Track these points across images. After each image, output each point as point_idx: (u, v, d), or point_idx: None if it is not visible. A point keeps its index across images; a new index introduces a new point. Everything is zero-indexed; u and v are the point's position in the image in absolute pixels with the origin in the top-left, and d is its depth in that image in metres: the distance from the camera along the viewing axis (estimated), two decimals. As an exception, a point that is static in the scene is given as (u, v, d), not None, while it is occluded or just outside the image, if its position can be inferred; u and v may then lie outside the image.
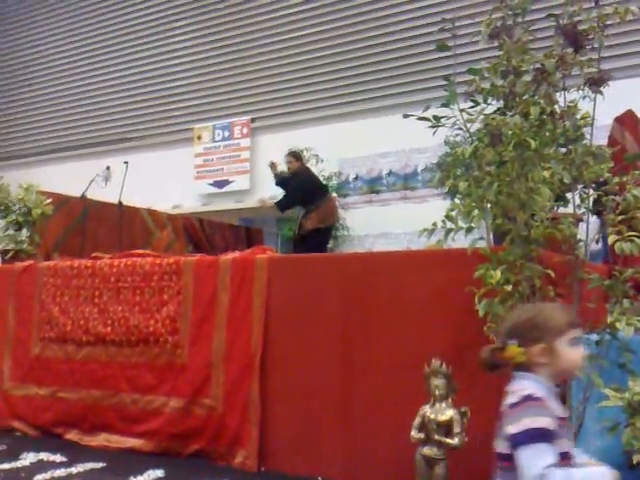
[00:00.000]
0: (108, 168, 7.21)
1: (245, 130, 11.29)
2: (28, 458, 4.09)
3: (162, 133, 12.27)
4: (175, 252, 7.19)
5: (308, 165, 9.10)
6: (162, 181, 11.41)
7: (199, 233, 8.53)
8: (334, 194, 9.73)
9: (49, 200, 6.17)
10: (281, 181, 8.44)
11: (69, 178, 8.97)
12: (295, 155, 8.31)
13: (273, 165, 8.55)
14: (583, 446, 2.98)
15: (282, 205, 8.24)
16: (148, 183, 10.59)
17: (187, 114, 12.01)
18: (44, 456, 4.14)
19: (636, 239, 2.83)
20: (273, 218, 10.80)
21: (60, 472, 3.79)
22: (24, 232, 6.01)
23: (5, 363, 5.13)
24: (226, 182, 11.36)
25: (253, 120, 11.25)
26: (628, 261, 3.03)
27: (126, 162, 7.15)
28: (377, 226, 9.61)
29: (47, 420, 4.81)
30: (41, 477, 3.69)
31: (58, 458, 4.10)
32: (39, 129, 13.84)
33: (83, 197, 6.91)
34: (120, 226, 6.97)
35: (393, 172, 9.90)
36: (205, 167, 11.62)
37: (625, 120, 4.41)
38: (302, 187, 8.10)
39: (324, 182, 9.12)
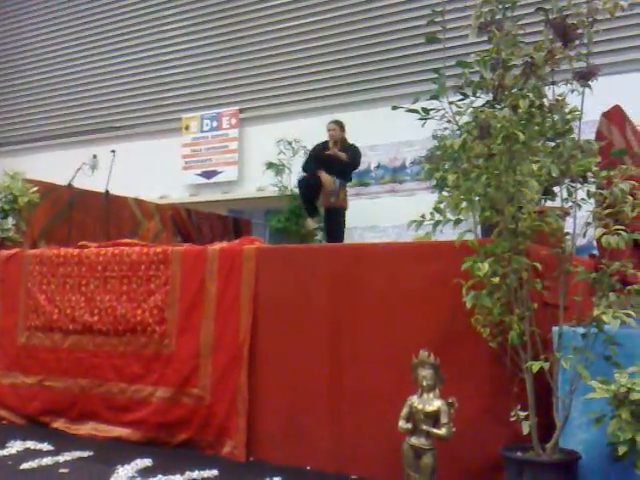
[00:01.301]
0: (95, 157, 7.16)
1: (233, 121, 11.26)
2: (15, 446, 4.08)
3: (150, 122, 12.19)
4: (162, 242, 7.16)
5: (295, 157, 9.07)
6: (150, 171, 11.36)
7: (187, 223, 8.51)
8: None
9: (35, 188, 6.14)
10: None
11: (56, 166, 8.91)
12: (341, 124, 7.78)
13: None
14: (569, 438, 3.03)
15: (344, 163, 7.59)
16: (135, 172, 10.55)
17: (176, 104, 11.95)
18: (31, 444, 4.12)
19: (623, 232, 2.86)
20: (261, 210, 10.79)
21: (47, 460, 3.79)
22: (10, 220, 5.97)
23: (-9, 352, 5.11)
24: (214, 173, 11.32)
25: (242, 111, 11.22)
26: (614, 254, 3.06)
27: (113, 151, 7.11)
28: (365, 219, 9.60)
29: (34, 409, 4.79)
30: (28, 465, 3.69)
31: (45, 447, 4.10)
32: (26, 117, 13.72)
33: (70, 186, 6.86)
34: (107, 215, 6.94)
35: (382, 165, 9.90)
36: (193, 157, 11.58)
37: (612, 115, 4.43)
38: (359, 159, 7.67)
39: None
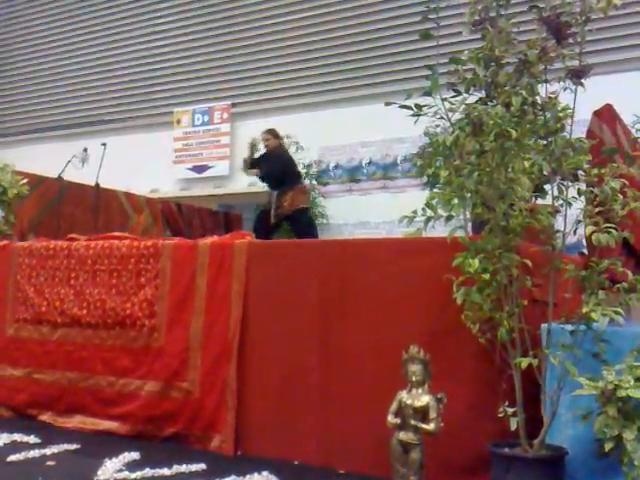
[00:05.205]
0: (85, 150, 7.11)
1: (225, 115, 11.24)
2: (1, 439, 4.04)
3: (142, 116, 12.16)
4: (153, 236, 7.13)
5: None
6: (140, 164, 11.33)
7: (177, 218, 8.48)
8: (314, 182, 9.75)
9: (25, 180, 6.10)
10: (253, 163, 7.86)
11: (46, 159, 8.86)
12: (274, 133, 7.78)
13: (254, 146, 7.90)
14: (556, 434, 3.05)
15: (261, 176, 7.76)
16: (126, 166, 10.51)
17: (167, 97, 11.93)
18: (18, 437, 4.09)
19: (613, 231, 2.87)
20: (252, 205, 10.76)
21: (34, 453, 3.76)
22: (-1, 212, 5.94)
23: (-21, 344, 5.08)
24: (205, 167, 11.30)
25: (234, 105, 11.20)
26: (604, 252, 3.07)
27: (104, 144, 7.07)
28: (356, 215, 9.64)
29: (21, 401, 4.77)
30: (15, 458, 3.66)
31: (32, 439, 4.07)
32: (16, 109, 13.65)
33: (59, 178, 6.83)
34: (97, 209, 6.91)
35: (373, 161, 9.93)
36: (184, 151, 11.55)
37: (604, 114, 4.44)
38: (286, 164, 7.70)
39: (304, 170, 9.10)
